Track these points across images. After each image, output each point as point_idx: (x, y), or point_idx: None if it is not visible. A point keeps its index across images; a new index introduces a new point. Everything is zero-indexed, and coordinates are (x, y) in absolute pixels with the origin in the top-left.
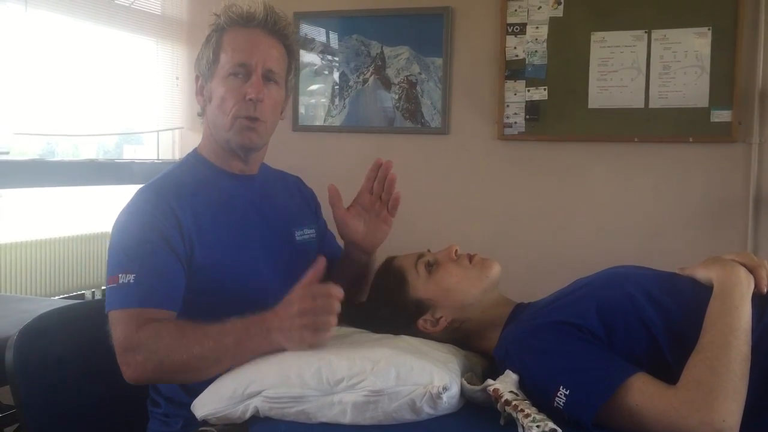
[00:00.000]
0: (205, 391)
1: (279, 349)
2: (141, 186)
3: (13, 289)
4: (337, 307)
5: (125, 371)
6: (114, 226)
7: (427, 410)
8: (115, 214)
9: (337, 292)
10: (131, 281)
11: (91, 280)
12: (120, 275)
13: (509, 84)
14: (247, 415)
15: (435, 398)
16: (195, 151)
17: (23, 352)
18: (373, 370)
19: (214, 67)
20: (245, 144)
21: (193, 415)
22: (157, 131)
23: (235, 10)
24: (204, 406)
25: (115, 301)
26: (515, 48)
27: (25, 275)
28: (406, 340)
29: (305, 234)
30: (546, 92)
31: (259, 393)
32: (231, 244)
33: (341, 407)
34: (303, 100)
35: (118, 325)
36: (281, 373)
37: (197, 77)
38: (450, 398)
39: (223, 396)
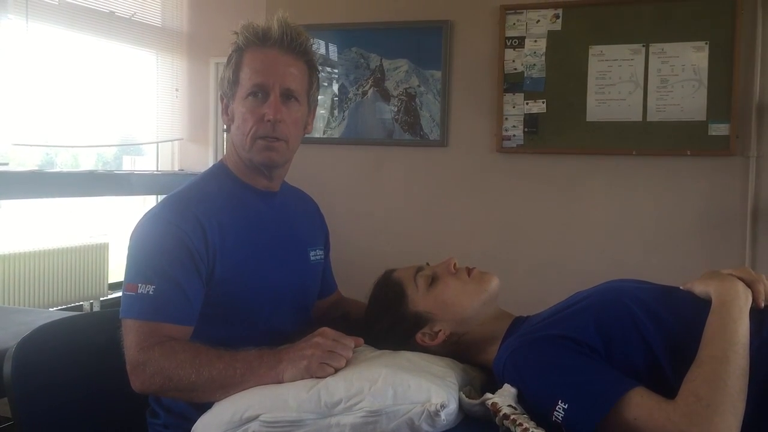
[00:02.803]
0: (205, 414)
1: (279, 380)
2: (167, 195)
3: (12, 301)
4: (350, 355)
5: (133, 381)
6: (136, 232)
7: (426, 428)
8: (114, 225)
9: (358, 343)
10: (150, 292)
11: (90, 291)
12: (140, 285)
13: (508, 97)
14: None
15: (433, 416)
16: (221, 162)
17: (21, 364)
18: (370, 389)
19: (235, 87)
20: (266, 163)
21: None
22: (157, 142)
23: (252, 29)
24: (204, 430)
25: (132, 310)
26: (514, 61)
27: (24, 286)
28: (403, 356)
29: (317, 255)
30: (544, 105)
31: (256, 417)
32: (251, 260)
33: (339, 430)
34: None
35: (132, 335)
36: (278, 397)
37: (221, 97)
38: (448, 415)
39: (222, 420)
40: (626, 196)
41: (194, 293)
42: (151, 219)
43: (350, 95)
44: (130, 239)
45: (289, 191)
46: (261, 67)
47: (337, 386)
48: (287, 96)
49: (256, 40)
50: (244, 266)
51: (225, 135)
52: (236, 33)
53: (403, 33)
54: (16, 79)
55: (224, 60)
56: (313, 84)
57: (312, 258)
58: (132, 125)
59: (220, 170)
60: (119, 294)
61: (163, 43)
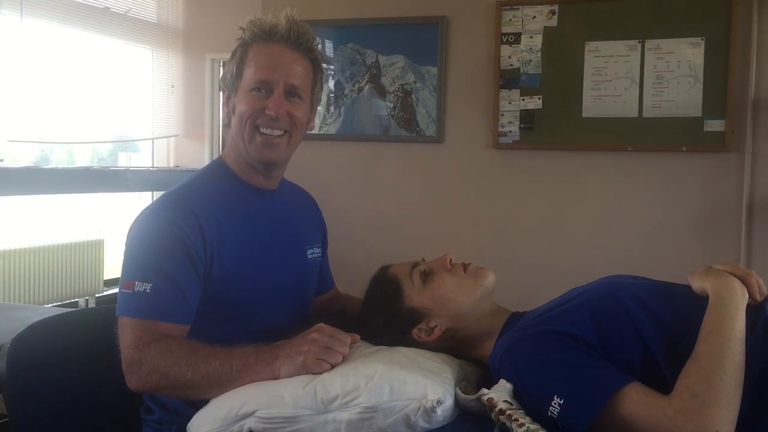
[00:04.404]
0: (201, 411)
1: (275, 376)
2: (165, 192)
3: (6, 297)
4: (347, 351)
5: (129, 380)
6: (133, 230)
7: (422, 424)
8: (109, 221)
9: (354, 339)
10: (147, 290)
11: (85, 288)
12: (136, 282)
13: (504, 93)
14: None
15: (429, 412)
16: (220, 158)
17: (16, 360)
18: (366, 386)
19: (238, 81)
20: (264, 160)
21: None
22: (152, 139)
23: (259, 24)
24: (199, 427)
25: (128, 307)
26: (510, 57)
27: (19, 283)
28: (400, 351)
29: (315, 253)
30: (540, 101)
31: (252, 413)
32: (248, 258)
33: (335, 426)
34: None
35: (128, 333)
36: (274, 393)
37: (223, 90)
38: (444, 411)
39: (218, 417)
40: (622, 192)
41: (191, 291)
42: (148, 216)
43: (346, 91)
44: (128, 237)
45: (288, 188)
46: (267, 62)
47: (333, 382)
48: (290, 93)
49: (263, 34)
50: (242, 265)
51: (223, 130)
52: (242, 28)
53: (399, 29)
54: (10, 76)
55: (220, 56)
56: (317, 83)
57: (309, 256)
58: (127, 121)
59: (218, 167)
60: (115, 290)
61: (158, 39)
